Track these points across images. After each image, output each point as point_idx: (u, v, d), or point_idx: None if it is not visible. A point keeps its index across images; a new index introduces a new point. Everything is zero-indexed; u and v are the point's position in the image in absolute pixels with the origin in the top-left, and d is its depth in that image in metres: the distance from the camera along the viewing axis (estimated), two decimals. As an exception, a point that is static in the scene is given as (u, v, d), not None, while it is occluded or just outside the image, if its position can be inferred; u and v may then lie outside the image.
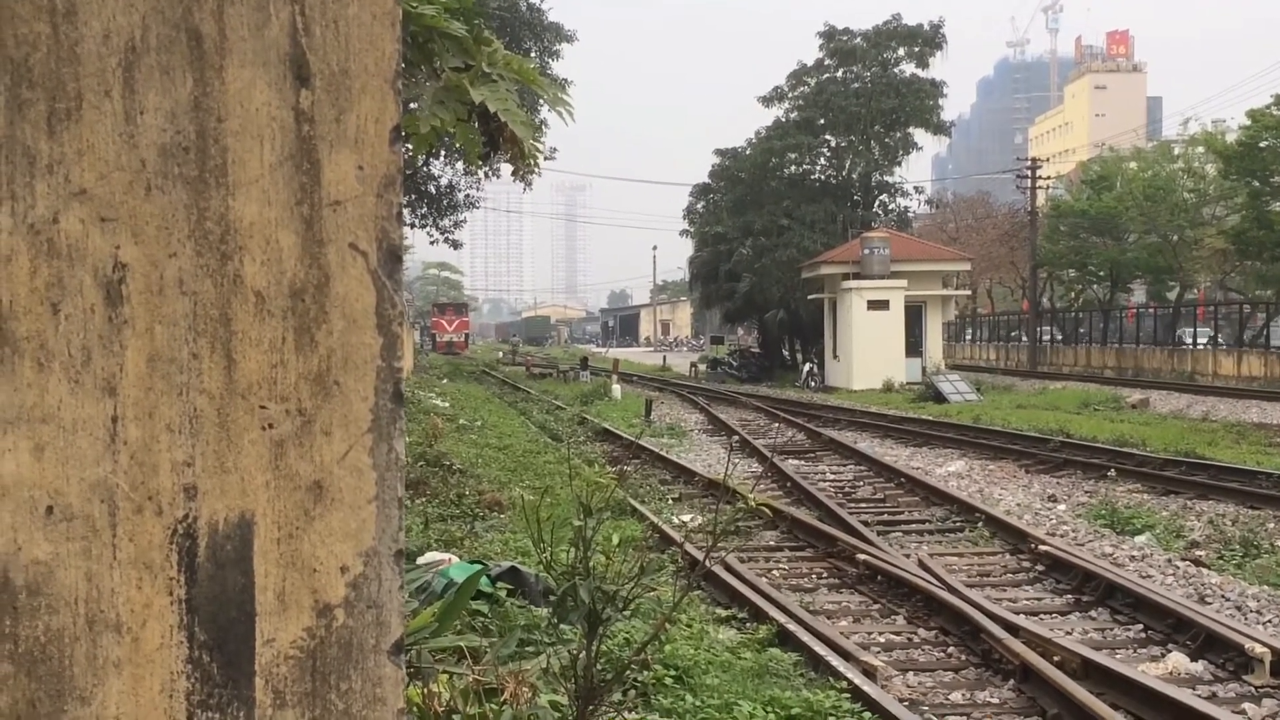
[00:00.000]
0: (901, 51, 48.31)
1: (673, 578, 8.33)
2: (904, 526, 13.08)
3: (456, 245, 43.33)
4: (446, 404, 26.60)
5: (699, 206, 55.98)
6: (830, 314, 42.05)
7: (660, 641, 6.50)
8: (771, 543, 11.99)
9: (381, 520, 1.61)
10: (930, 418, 26.35)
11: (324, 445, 1.59)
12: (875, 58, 48.30)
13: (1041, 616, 9.00)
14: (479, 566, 6.90)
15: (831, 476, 17.23)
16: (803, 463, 18.75)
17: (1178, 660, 7.77)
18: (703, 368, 51.60)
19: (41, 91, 1.51)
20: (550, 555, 4.76)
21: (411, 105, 3.76)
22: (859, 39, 48.69)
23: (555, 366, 51.47)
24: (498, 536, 10.15)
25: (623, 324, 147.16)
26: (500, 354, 75.18)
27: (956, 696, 7.29)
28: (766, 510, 5.44)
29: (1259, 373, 39.03)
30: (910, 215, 53.06)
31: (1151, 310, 52.95)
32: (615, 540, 6.13)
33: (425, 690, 4.06)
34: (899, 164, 49.85)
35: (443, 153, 30.33)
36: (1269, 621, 8.80)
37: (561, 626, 5.82)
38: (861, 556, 10.50)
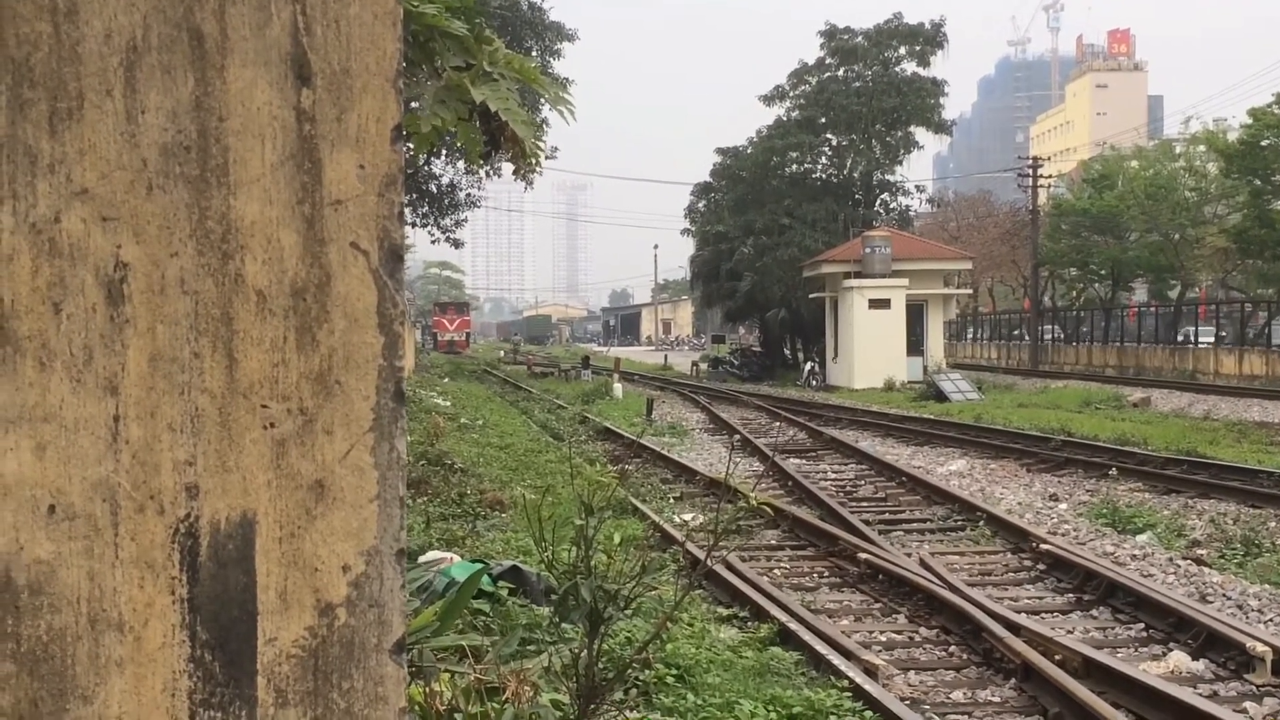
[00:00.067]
0: (903, 50, 48.28)
1: (674, 577, 8.34)
2: (905, 525, 13.08)
3: (458, 244, 43.33)
4: (448, 403, 26.60)
5: (700, 205, 55.99)
6: (831, 313, 42.03)
7: (662, 640, 6.50)
8: (773, 542, 11.99)
9: (383, 519, 1.61)
10: (931, 416, 26.34)
11: (325, 444, 1.59)
12: (876, 56, 48.28)
13: (1043, 615, 9.00)
14: (480, 565, 6.90)
15: (833, 475, 17.23)
16: (804, 462, 18.75)
17: (1179, 659, 7.76)
18: (704, 367, 51.60)
19: (43, 91, 1.51)
20: (552, 554, 4.77)
21: (413, 104, 3.76)
22: (860, 38, 48.67)
23: (557, 365, 51.46)
24: (499, 535, 10.15)
25: (624, 323, 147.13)
26: (502, 353, 75.18)
27: (958, 695, 7.29)
28: (768, 509, 5.44)
29: (1260, 371, 39.01)
30: (911, 214, 53.07)
31: (1153, 309, 52.95)
32: (617, 539, 6.12)
33: (427, 689, 4.06)
34: (900, 163, 49.87)
35: (444, 152, 30.33)
36: (1270, 620, 8.79)
37: (563, 625, 5.83)
38: (863, 555, 10.50)
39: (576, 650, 4.53)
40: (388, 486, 1.61)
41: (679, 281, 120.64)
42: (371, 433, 1.60)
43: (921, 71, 48.36)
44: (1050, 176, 60.53)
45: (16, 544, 1.49)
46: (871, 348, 38.09)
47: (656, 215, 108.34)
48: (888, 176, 50.31)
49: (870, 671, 7.06)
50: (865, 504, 14.54)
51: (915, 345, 39.64)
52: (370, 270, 1.60)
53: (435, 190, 39.55)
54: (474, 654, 4.58)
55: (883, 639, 8.54)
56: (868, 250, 39.10)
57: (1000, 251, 63.40)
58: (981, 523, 12.54)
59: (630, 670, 5.62)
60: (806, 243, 45.72)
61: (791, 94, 50.36)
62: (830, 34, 49.24)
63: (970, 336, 70.33)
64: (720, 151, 54.01)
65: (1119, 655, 7.87)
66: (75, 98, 1.52)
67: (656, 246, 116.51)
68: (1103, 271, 59.24)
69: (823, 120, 48.78)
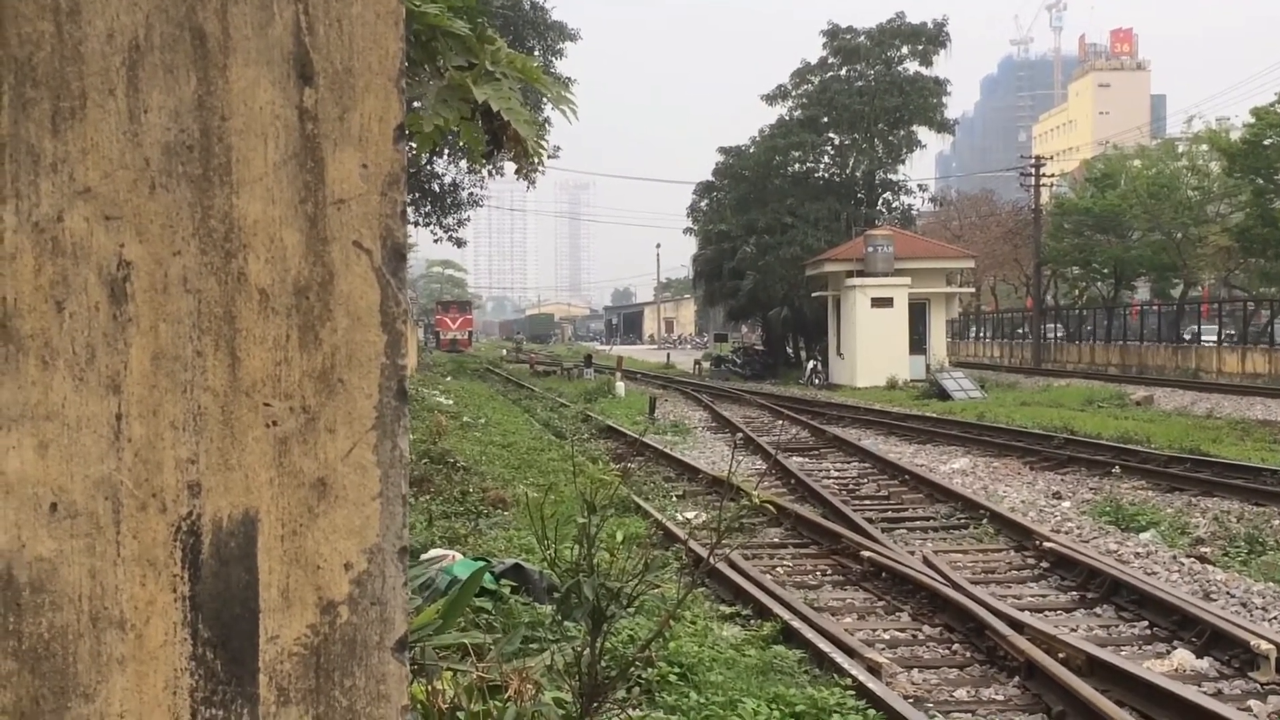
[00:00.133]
0: (905, 50, 48.25)
1: (677, 575, 8.35)
2: (908, 523, 13.08)
3: (460, 243, 43.26)
4: (450, 401, 26.61)
5: (703, 204, 55.94)
6: (834, 312, 42.01)
7: (664, 638, 6.50)
8: (776, 540, 11.99)
9: (385, 517, 1.61)
10: (934, 415, 26.33)
11: (328, 442, 1.59)
12: (879, 56, 48.26)
13: (1046, 613, 9.00)
14: (483, 563, 6.90)
15: (835, 474, 17.23)
16: (807, 460, 18.74)
17: (1183, 657, 7.76)
18: (706, 365, 51.60)
19: (46, 90, 1.51)
20: (554, 552, 4.77)
21: (415, 104, 3.76)
22: (863, 37, 48.65)
23: (559, 364, 51.46)
24: (501, 534, 10.15)
25: (627, 322, 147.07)
26: (504, 352, 75.22)
27: (961, 693, 7.28)
28: (771, 507, 5.45)
29: (1263, 370, 38.96)
30: (914, 213, 53.01)
31: (1156, 308, 52.87)
32: (619, 537, 6.13)
33: (429, 687, 4.06)
34: (903, 162, 49.85)
35: (446, 151, 30.30)
36: (1274, 618, 8.79)
37: (565, 623, 5.84)
38: (866, 553, 10.50)
39: (579, 648, 4.53)
40: (390, 484, 1.61)
41: (681, 280, 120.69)
42: (374, 431, 1.60)
43: (924, 71, 48.37)
44: (1053, 175, 60.53)
45: (18, 541, 1.50)
46: (874, 346, 38.07)
47: (659, 214, 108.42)
48: (890, 175, 50.32)
49: (873, 670, 7.07)
50: (868, 502, 14.54)
51: (918, 344, 39.62)
52: (373, 269, 1.60)
53: (438, 189, 39.52)
54: (476, 652, 4.58)
55: (886, 637, 8.54)
56: (870, 249, 39.08)
57: (1003, 250, 63.36)
58: (985, 521, 12.54)
59: (633, 668, 5.62)
60: (809, 242, 45.70)
61: (794, 93, 50.35)
62: (833, 33, 49.23)
63: (973, 335, 70.27)
64: (723, 151, 53.99)
65: (1123, 653, 7.87)
66: (78, 97, 1.52)
67: (659, 245, 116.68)
68: (1105, 270, 59.19)
69: (825, 119, 48.76)
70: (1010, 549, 11.46)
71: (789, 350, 53.25)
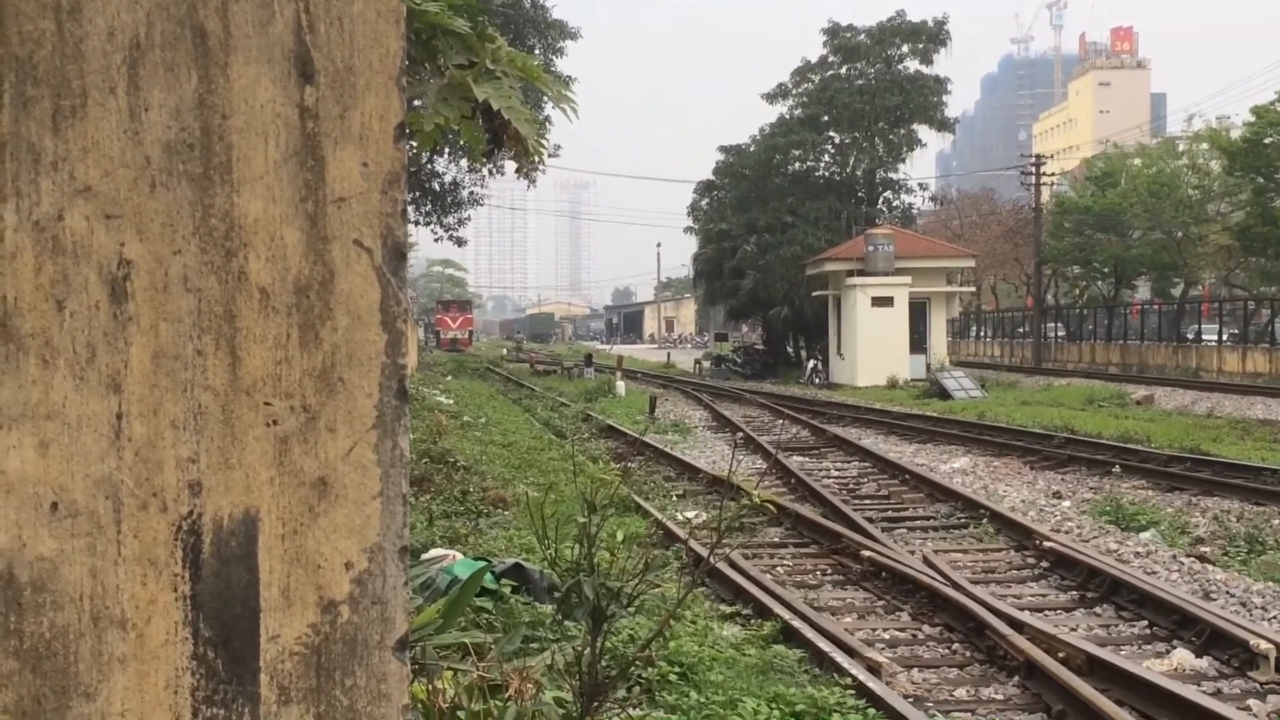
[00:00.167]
0: (905, 48, 48.23)
1: (677, 574, 8.34)
2: (908, 523, 13.07)
3: (461, 242, 43.26)
4: (451, 401, 26.61)
5: (703, 204, 55.95)
6: (834, 311, 42.01)
7: (665, 638, 6.50)
8: (776, 539, 11.99)
9: (386, 516, 1.61)
10: (934, 414, 26.32)
11: (328, 441, 1.59)
12: (879, 54, 48.24)
13: (1046, 613, 9.01)
14: (483, 563, 6.90)
15: (836, 473, 17.23)
16: (807, 459, 18.74)
17: (1182, 656, 7.76)
18: (707, 365, 51.59)
19: (46, 89, 1.51)
20: (554, 552, 4.77)
21: (416, 102, 3.76)
22: (863, 36, 48.64)
23: (559, 363, 51.49)
24: (502, 533, 10.16)
25: (627, 321, 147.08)
26: (504, 351, 75.23)
27: (961, 693, 7.28)
28: (771, 507, 5.45)
29: (1264, 369, 38.95)
30: (914, 212, 53.00)
31: (1156, 307, 52.88)
32: (619, 537, 6.13)
33: (430, 687, 4.06)
34: (903, 160, 49.81)
35: (447, 150, 30.30)
36: (1274, 618, 8.79)
37: (566, 623, 5.84)
38: (866, 553, 10.50)
39: (579, 648, 4.53)
40: (390, 484, 1.61)
41: (682, 279, 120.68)
42: (374, 430, 1.60)
43: (924, 69, 48.34)
44: (1053, 174, 60.51)
45: (19, 541, 1.50)
46: (874, 345, 38.06)
47: (659, 213, 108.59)
48: (890, 174, 50.29)
49: (874, 669, 7.07)
50: (868, 501, 14.54)
51: (918, 343, 39.62)
52: (373, 268, 1.60)
53: (438, 188, 39.51)
54: (477, 651, 4.58)
55: (886, 636, 8.54)
56: (871, 248, 39.07)
57: (1003, 249, 63.35)
58: (985, 520, 12.54)
59: (633, 668, 5.62)
60: (809, 241, 45.69)
61: (794, 92, 50.34)
62: (833, 32, 49.22)
63: (973, 334, 70.28)
64: (723, 150, 53.99)
65: (1122, 653, 7.87)
66: (79, 95, 1.52)
67: (659, 245, 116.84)
68: (1106, 269, 59.19)
69: (825, 118, 48.74)
70: (1010, 548, 11.46)
71: (789, 349, 53.24)
